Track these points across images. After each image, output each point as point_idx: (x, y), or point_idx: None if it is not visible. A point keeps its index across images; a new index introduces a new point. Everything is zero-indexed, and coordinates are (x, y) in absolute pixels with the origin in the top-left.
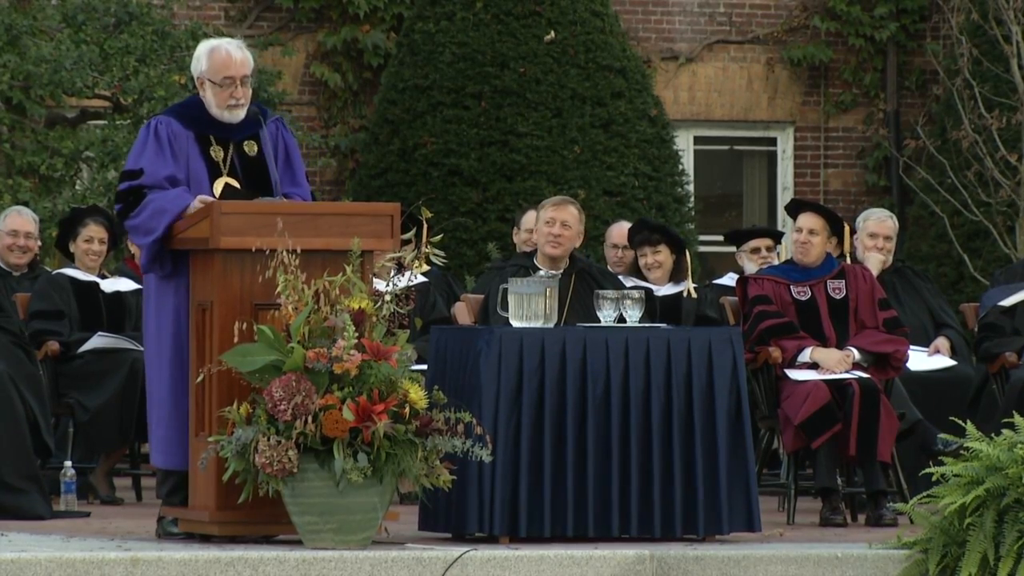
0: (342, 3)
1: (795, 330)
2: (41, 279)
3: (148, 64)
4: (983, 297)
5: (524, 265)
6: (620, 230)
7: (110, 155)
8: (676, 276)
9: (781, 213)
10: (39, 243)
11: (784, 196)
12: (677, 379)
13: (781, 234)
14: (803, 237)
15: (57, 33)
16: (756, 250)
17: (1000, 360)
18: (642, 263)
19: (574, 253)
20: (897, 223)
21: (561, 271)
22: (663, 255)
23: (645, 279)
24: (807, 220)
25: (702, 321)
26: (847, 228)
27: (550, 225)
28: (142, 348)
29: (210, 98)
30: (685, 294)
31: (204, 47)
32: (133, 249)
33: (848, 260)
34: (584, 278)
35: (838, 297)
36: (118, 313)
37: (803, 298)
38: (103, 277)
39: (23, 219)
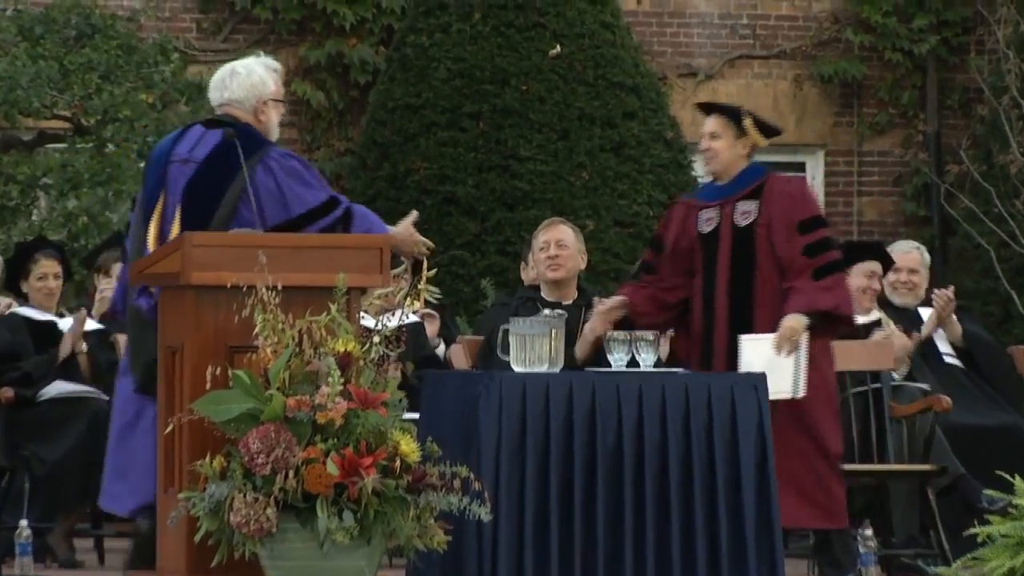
0: (326, 14)
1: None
2: None
3: (112, 81)
4: None
5: (531, 297)
6: None
7: (70, 182)
8: None
9: None
10: None
11: None
12: (697, 429)
13: None
14: (704, 143)
15: (12, 47)
16: None
17: None
18: None
19: (583, 286)
20: (926, 255)
21: (571, 302)
22: None
23: None
24: (706, 124)
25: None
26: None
27: (545, 249)
28: (104, 396)
29: (275, 120)
30: None
31: (261, 67)
32: (101, 284)
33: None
34: None
35: (743, 224)
36: (77, 355)
37: (708, 229)
38: (60, 316)
39: None
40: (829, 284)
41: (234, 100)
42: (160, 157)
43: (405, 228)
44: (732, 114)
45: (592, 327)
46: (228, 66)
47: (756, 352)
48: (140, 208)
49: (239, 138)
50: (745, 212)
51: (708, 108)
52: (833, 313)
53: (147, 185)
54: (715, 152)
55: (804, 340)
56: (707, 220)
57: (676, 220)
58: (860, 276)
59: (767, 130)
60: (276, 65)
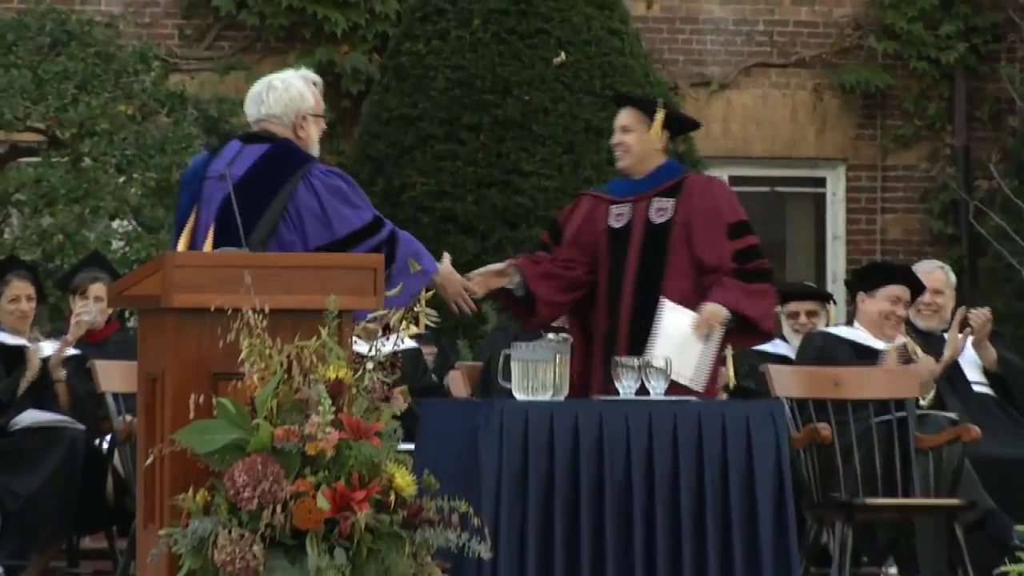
0: (316, 20)
1: (524, 303)
2: None
3: (89, 91)
4: None
5: None
6: None
7: (44, 198)
8: None
9: (831, 266)
10: None
11: (834, 246)
12: (710, 461)
13: (828, 296)
14: (616, 137)
15: None
16: (795, 314)
17: None
18: None
19: None
20: (951, 275)
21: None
22: None
23: None
24: (618, 117)
25: (739, 393)
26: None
27: None
28: (81, 426)
29: (314, 135)
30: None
31: (299, 80)
32: (77, 306)
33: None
34: None
35: (659, 221)
36: (52, 383)
37: (619, 224)
38: (34, 340)
39: None
40: (758, 291)
41: (272, 115)
42: (194, 174)
43: (451, 270)
44: (645, 107)
45: (474, 288)
46: (265, 79)
47: (675, 323)
48: (175, 228)
49: (279, 154)
50: (661, 209)
51: (620, 100)
52: (753, 322)
53: (180, 204)
54: (627, 147)
55: (718, 334)
56: (617, 216)
57: (581, 212)
58: (883, 300)
59: (683, 125)
60: (316, 78)
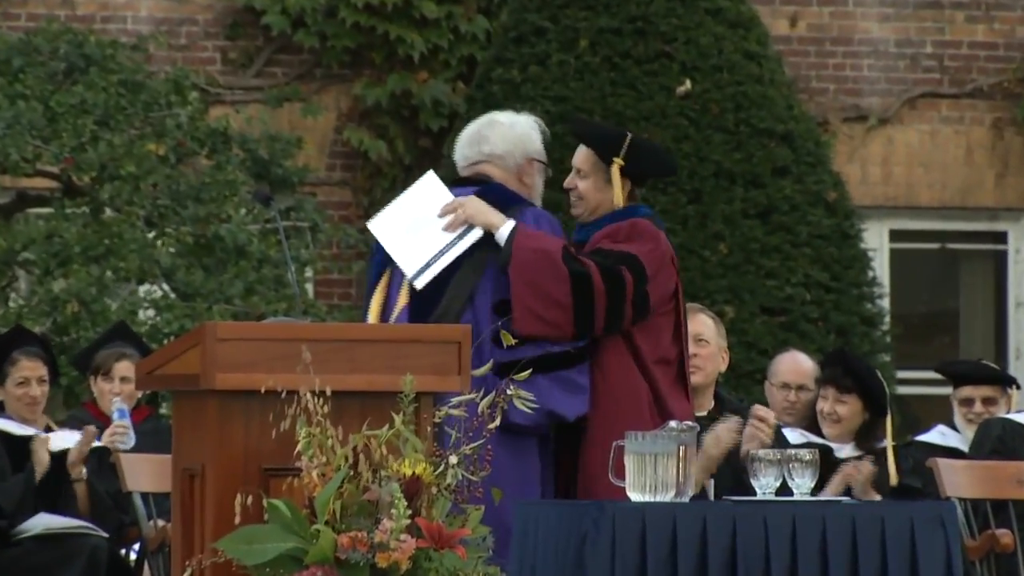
0: (389, 42)
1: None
2: None
3: (112, 128)
4: None
5: None
6: (792, 364)
7: (57, 257)
8: (864, 442)
9: (1014, 339)
10: None
11: (1018, 314)
12: (867, 574)
13: (1010, 380)
14: (568, 180)
15: None
16: (968, 401)
17: None
18: (820, 407)
19: (721, 393)
20: None
21: (705, 413)
22: (849, 408)
23: (822, 433)
24: (575, 156)
25: (901, 493)
26: None
27: None
28: (103, 533)
29: (539, 186)
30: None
31: (524, 119)
32: (97, 389)
33: None
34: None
35: None
36: (68, 481)
37: None
38: (47, 430)
39: None
40: (583, 260)
41: (494, 155)
42: None
43: None
44: (601, 151)
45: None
46: (483, 117)
47: (432, 194)
48: (367, 289)
49: (485, 196)
50: None
51: (575, 134)
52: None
53: (374, 259)
54: (579, 194)
55: (471, 238)
56: None
57: None
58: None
59: (647, 174)
60: (542, 125)
